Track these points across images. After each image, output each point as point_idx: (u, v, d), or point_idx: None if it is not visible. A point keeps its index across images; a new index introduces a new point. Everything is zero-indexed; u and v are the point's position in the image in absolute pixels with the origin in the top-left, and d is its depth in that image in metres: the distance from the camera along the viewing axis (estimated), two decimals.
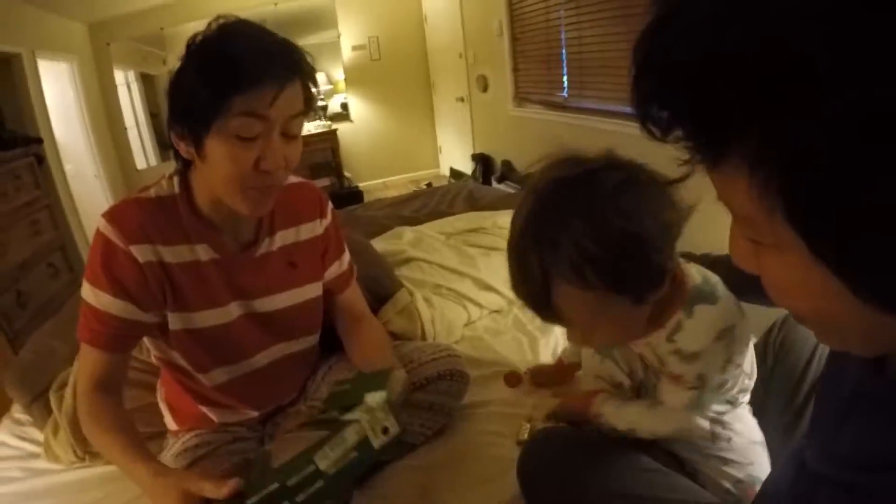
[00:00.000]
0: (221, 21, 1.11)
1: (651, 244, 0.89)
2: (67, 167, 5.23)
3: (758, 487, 1.08)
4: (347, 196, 6.41)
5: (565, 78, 4.18)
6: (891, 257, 0.39)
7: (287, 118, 1.11)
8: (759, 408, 1.23)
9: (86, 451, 1.61)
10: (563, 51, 4.11)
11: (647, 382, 1.21)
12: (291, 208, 1.37)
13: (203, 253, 1.25)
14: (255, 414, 1.47)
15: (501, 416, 1.59)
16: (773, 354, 1.29)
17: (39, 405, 1.73)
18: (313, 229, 1.42)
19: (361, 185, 7.30)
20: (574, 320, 0.99)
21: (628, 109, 3.30)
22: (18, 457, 1.73)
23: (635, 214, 0.87)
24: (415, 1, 7.07)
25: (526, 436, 1.44)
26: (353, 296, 1.57)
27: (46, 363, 1.82)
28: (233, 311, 1.31)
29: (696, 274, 1.07)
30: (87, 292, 1.19)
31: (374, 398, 1.01)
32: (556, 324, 1.04)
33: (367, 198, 6.51)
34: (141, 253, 1.18)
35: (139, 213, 1.20)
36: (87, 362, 1.23)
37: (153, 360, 1.42)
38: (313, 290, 1.43)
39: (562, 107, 4.27)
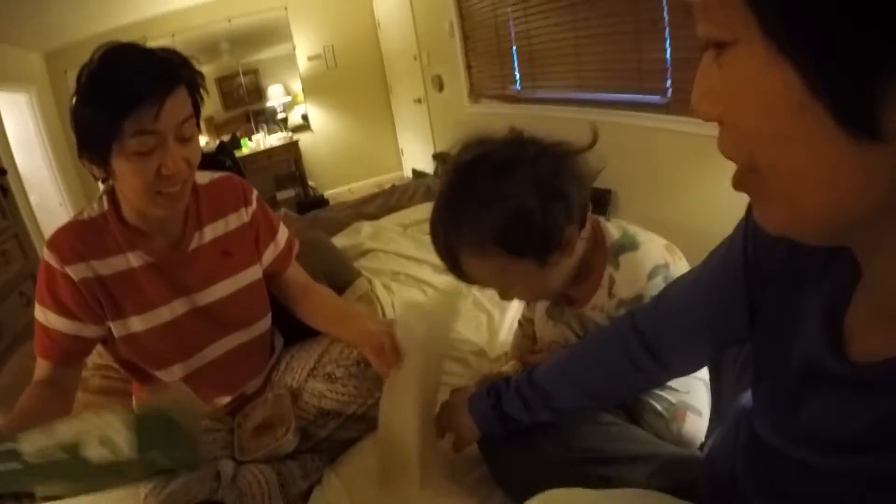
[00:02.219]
0: (102, 50, 1.17)
1: (537, 214, 0.98)
2: (32, 197, 5.18)
3: (690, 414, 1.17)
4: (313, 204, 6.42)
5: (517, 71, 4.26)
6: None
7: (177, 125, 1.18)
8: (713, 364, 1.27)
9: None
10: (513, 45, 4.20)
11: None
12: (216, 202, 1.44)
13: (135, 259, 1.32)
14: (220, 404, 1.51)
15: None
16: None
17: None
18: (240, 218, 1.47)
19: (327, 193, 7.32)
20: (486, 283, 1.12)
21: (581, 96, 3.41)
22: None
23: (518, 191, 0.98)
24: (367, 7, 7.10)
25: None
26: (296, 272, 1.63)
27: (25, 384, 1.82)
28: (176, 308, 1.36)
29: (613, 230, 1.14)
30: (38, 312, 1.30)
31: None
32: (473, 284, 1.15)
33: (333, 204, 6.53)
34: (76, 272, 1.27)
35: (73, 235, 1.29)
36: (39, 367, 1.33)
37: (116, 365, 1.48)
38: (251, 275, 1.49)
39: (516, 99, 4.35)
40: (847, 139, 0.38)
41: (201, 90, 1.28)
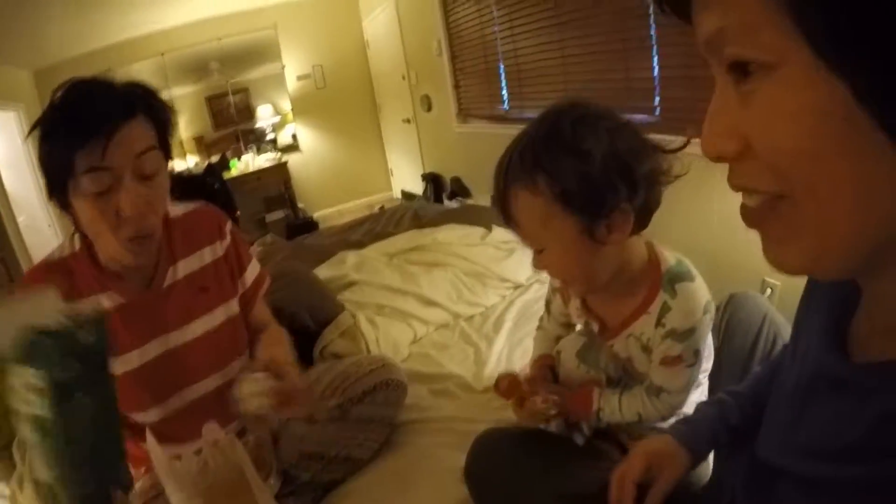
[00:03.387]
0: (64, 86, 1.13)
1: (596, 170, 0.93)
2: (21, 219, 5.12)
3: None
4: (302, 227, 6.38)
5: (504, 91, 4.23)
6: None
7: (131, 160, 1.10)
8: (711, 390, 1.26)
9: None
10: (501, 64, 4.16)
11: (626, 382, 1.22)
12: (190, 235, 1.38)
13: (107, 301, 1.25)
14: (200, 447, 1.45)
15: (450, 430, 1.60)
16: (718, 337, 1.31)
17: (4, 458, 1.68)
18: (214, 251, 1.41)
19: (316, 214, 7.29)
20: (526, 228, 1.04)
21: None
22: None
23: (588, 141, 0.94)
24: (356, 27, 7.10)
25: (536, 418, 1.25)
26: (259, 312, 1.54)
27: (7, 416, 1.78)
28: (150, 350, 1.30)
29: (669, 257, 1.10)
30: None
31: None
32: (515, 228, 1.07)
33: (322, 226, 6.49)
34: None
35: (45, 277, 1.23)
36: None
37: None
38: (230, 310, 1.42)
39: (504, 119, 4.30)
40: (891, 148, 0.38)
41: (168, 122, 1.22)
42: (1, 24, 4.40)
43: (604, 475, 1.10)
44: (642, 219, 1.02)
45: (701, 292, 1.06)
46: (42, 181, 1.14)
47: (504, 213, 1.06)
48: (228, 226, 1.47)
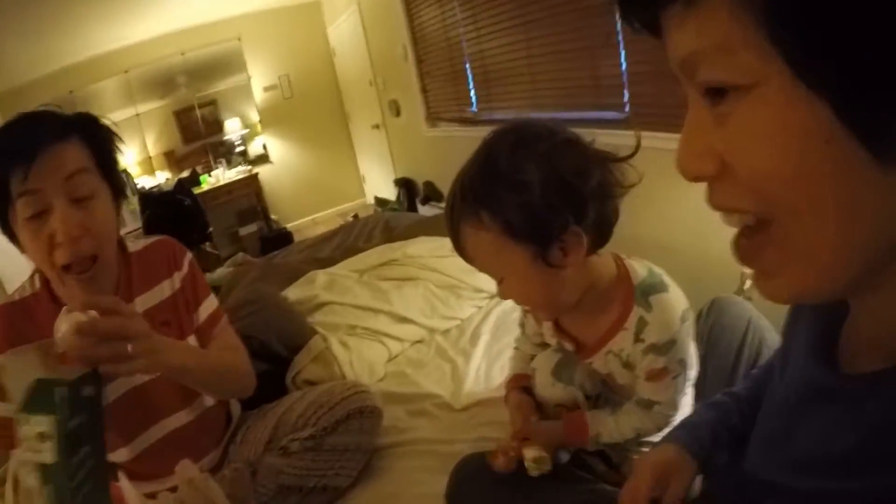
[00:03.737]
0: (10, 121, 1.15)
1: (536, 196, 0.91)
2: None
3: None
4: (276, 239, 6.32)
5: (472, 93, 4.19)
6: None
7: (62, 182, 1.10)
8: (697, 397, 1.22)
9: None
10: (468, 66, 4.12)
11: (606, 395, 1.20)
12: (147, 270, 1.36)
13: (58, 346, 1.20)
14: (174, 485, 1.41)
15: (430, 452, 1.56)
16: (703, 344, 1.28)
17: None
18: (172, 285, 1.39)
19: (290, 225, 7.22)
20: (482, 262, 1.04)
21: (539, 115, 3.34)
22: None
23: (526, 166, 0.92)
24: (321, 36, 7.07)
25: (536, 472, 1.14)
26: (224, 345, 1.46)
27: None
28: (117, 388, 1.26)
29: (640, 268, 1.07)
30: None
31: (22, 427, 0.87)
32: (472, 263, 1.06)
33: (296, 237, 6.43)
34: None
35: (4, 319, 1.23)
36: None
37: None
38: (193, 343, 1.40)
39: (473, 121, 4.27)
40: (875, 166, 0.38)
41: (108, 144, 1.23)
42: None
43: (589, 496, 1.10)
44: (600, 235, 1.00)
45: (676, 301, 1.04)
46: None
47: (457, 248, 1.05)
48: (187, 258, 1.45)
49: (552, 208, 0.92)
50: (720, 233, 1.34)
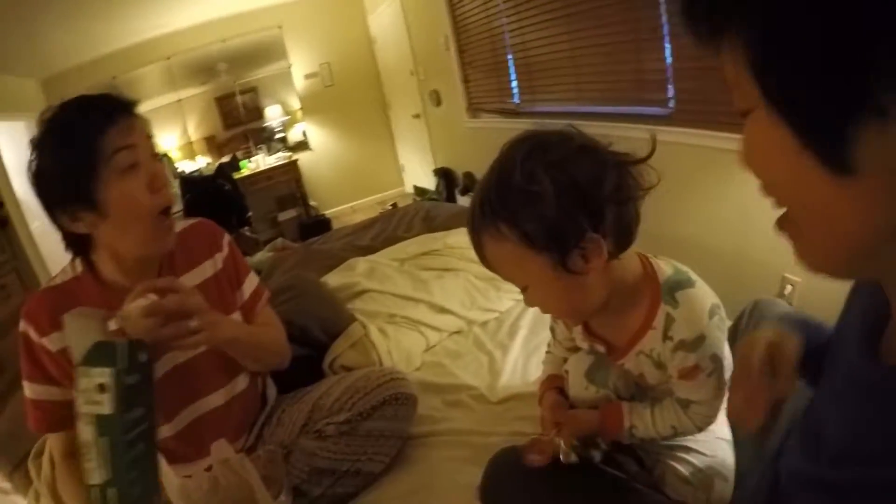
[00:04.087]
0: (51, 109, 1.20)
1: (551, 205, 0.90)
2: (34, 225, 5.16)
3: (717, 481, 1.12)
4: (314, 225, 6.39)
5: (514, 84, 4.16)
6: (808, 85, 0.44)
7: (146, 141, 1.22)
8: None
9: None
10: (510, 57, 4.09)
11: (639, 398, 1.18)
12: (189, 251, 1.41)
13: (113, 324, 1.23)
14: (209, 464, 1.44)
15: (464, 443, 1.57)
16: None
17: (20, 474, 1.75)
18: (214, 265, 1.44)
19: (328, 211, 7.30)
20: (504, 272, 1.04)
21: (581, 109, 3.32)
22: None
23: (540, 175, 0.91)
24: (362, 24, 7.08)
25: (572, 456, 1.16)
26: (264, 323, 1.55)
27: (24, 431, 1.80)
28: (159, 367, 1.30)
29: (666, 266, 1.06)
30: (25, 387, 1.30)
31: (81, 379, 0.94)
32: (496, 273, 1.06)
33: (335, 224, 6.50)
34: (53, 343, 1.25)
35: (47, 303, 1.28)
36: (53, 445, 1.39)
37: None
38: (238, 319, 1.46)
39: (515, 113, 4.24)
40: (833, 177, 0.45)
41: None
42: (5, 36, 4.42)
43: (622, 494, 1.10)
44: (621, 239, 0.98)
45: (704, 296, 1.02)
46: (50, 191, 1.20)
47: (481, 258, 1.05)
48: (226, 239, 1.51)
49: (568, 217, 0.91)
50: (762, 235, 1.32)
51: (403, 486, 1.48)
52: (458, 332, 2.15)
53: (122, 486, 0.91)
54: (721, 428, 1.17)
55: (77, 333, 1.01)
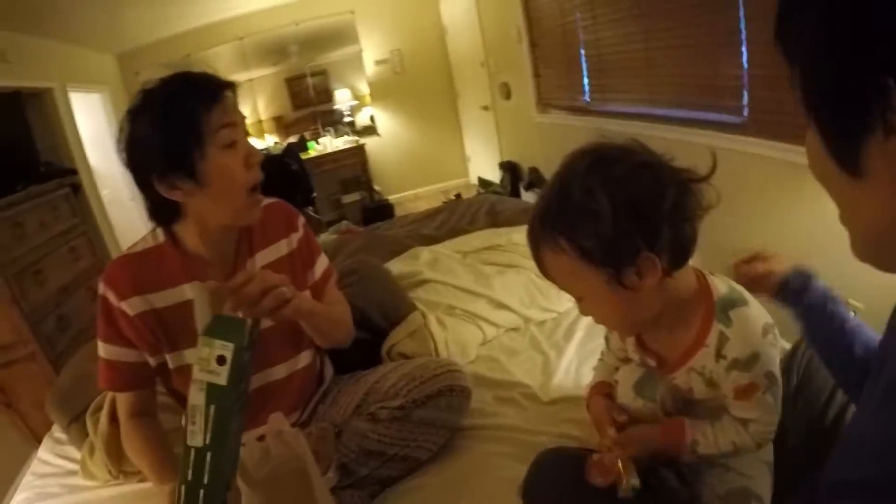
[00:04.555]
0: (154, 82, 1.27)
1: (607, 222, 0.92)
2: (104, 193, 5.39)
3: (754, 502, 1.09)
4: (377, 210, 6.45)
5: (586, 81, 4.12)
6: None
7: (242, 120, 1.31)
8: (780, 429, 1.16)
9: (119, 471, 1.74)
10: (582, 54, 4.05)
11: (684, 413, 1.18)
12: (265, 229, 1.48)
13: (191, 291, 1.34)
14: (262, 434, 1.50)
15: (512, 440, 1.58)
16: (798, 374, 1.26)
17: (77, 427, 1.85)
18: (290, 244, 1.51)
19: (392, 197, 7.36)
20: (560, 282, 1.06)
21: (651, 111, 3.27)
22: (58, 474, 1.88)
23: (599, 190, 0.93)
24: (434, 13, 7.10)
25: (632, 484, 1.08)
26: (330, 301, 1.60)
27: (83, 387, 1.92)
28: None
29: (721, 284, 1.06)
30: (99, 347, 1.37)
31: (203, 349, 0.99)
32: (553, 282, 1.08)
33: (397, 210, 6.55)
34: (132, 307, 1.33)
35: (128, 269, 1.36)
36: (119, 404, 1.45)
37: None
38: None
39: (585, 111, 4.20)
40: (850, 179, 0.52)
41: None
42: (88, 14, 4.59)
43: None
44: (677, 257, 0.99)
45: (757, 315, 1.03)
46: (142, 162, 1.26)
47: (539, 268, 1.07)
48: (301, 220, 1.58)
49: (624, 235, 0.93)
50: (827, 258, 1.29)
51: (447, 474, 1.50)
52: (514, 329, 2.16)
53: (218, 452, 0.96)
54: (765, 451, 1.16)
55: (204, 305, 1.08)
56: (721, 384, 1.05)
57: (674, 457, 1.16)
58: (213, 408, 0.95)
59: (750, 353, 1.00)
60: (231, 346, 0.96)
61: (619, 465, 1.09)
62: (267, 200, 1.47)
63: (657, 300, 1.02)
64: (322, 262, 1.60)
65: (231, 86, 1.30)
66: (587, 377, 1.72)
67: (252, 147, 1.31)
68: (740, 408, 1.06)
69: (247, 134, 1.33)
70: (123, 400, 1.43)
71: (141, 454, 1.40)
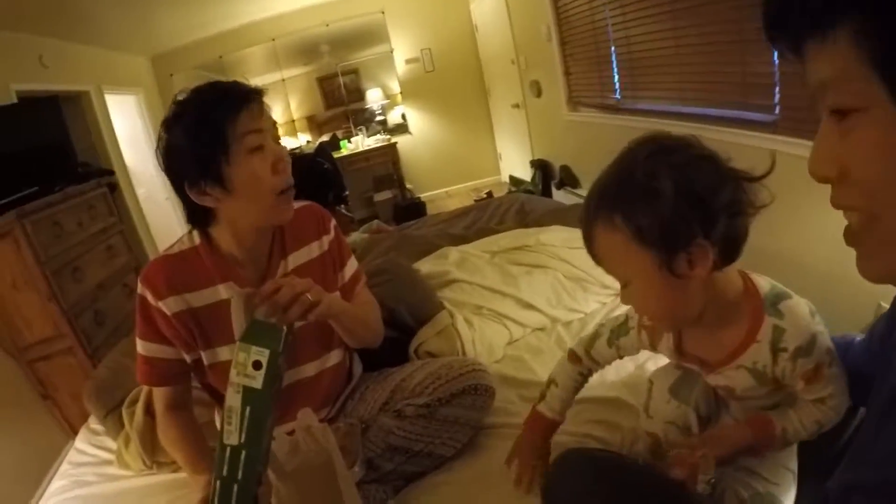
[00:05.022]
0: (181, 94, 1.31)
1: (667, 205, 0.92)
2: (140, 192, 5.51)
3: None
4: (409, 207, 6.48)
5: (616, 79, 4.10)
6: None
7: (272, 126, 1.33)
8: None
9: (153, 461, 1.80)
10: (613, 51, 4.02)
11: (718, 418, 1.20)
12: (299, 231, 1.51)
13: (225, 291, 1.39)
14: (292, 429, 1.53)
15: None
16: None
17: (113, 418, 1.92)
18: (321, 246, 1.54)
19: (424, 195, 7.39)
20: (609, 263, 1.05)
21: (682, 109, 3.24)
22: (94, 463, 1.95)
23: (660, 174, 0.93)
24: (464, 11, 7.11)
25: (706, 487, 1.09)
26: (360, 303, 1.63)
27: (119, 380, 2.00)
28: None
29: (763, 282, 1.07)
30: (137, 344, 1.42)
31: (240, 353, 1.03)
32: (599, 263, 1.07)
33: (429, 208, 6.59)
34: (169, 306, 1.37)
35: (165, 269, 1.39)
36: (157, 398, 1.50)
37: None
38: None
39: (616, 109, 4.17)
40: None
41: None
42: (121, 17, 4.69)
43: None
44: (728, 252, 0.98)
45: (802, 302, 1.04)
46: (179, 165, 1.29)
47: (588, 247, 1.06)
48: (333, 223, 1.60)
49: (682, 218, 0.92)
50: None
51: (470, 471, 1.52)
52: (541, 329, 2.16)
53: (252, 451, 1.00)
54: (789, 458, 1.17)
55: (240, 311, 1.13)
56: (787, 377, 1.05)
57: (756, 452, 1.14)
58: (248, 409, 1.00)
59: (808, 338, 1.01)
60: (267, 351, 1.01)
61: (700, 459, 1.07)
62: (299, 203, 1.50)
63: (703, 295, 1.02)
64: (352, 265, 1.63)
65: (258, 93, 1.32)
66: (612, 378, 1.73)
67: (281, 151, 1.33)
68: (814, 390, 1.06)
69: (276, 139, 1.35)
70: (160, 394, 1.48)
71: (176, 446, 1.45)
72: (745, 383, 1.09)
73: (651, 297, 1.04)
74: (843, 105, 0.52)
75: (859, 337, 1.13)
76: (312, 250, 1.52)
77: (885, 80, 0.47)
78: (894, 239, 0.54)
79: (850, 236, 0.59)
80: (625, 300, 1.09)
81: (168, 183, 1.35)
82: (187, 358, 1.43)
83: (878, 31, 0.47)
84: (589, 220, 1.02)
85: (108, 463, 1.91)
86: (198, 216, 1.37)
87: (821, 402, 1.07)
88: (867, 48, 0.47)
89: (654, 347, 1.25)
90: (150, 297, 1.38)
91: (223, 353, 1.42)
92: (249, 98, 1.28)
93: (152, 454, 1.78)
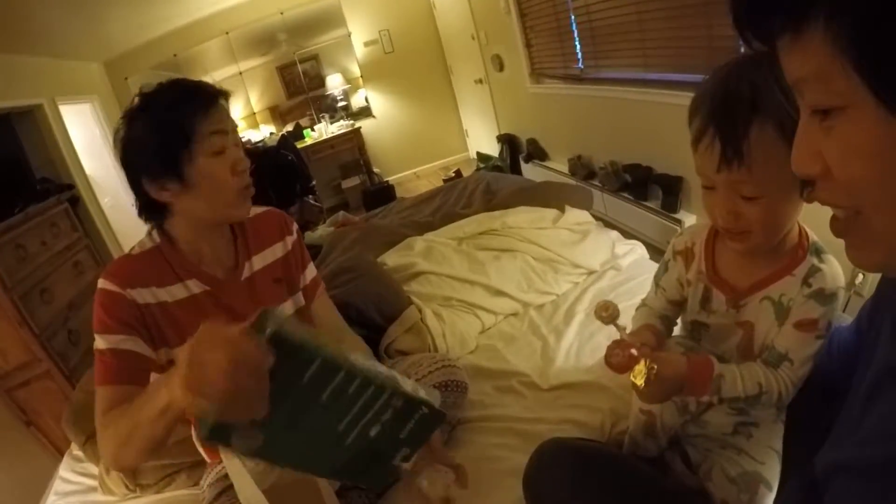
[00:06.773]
0: (148, 87, 1.29)
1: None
2: (104, 200, 5.39)
3: (762, 487, 1.13)
4: (378, 192, 6.43)
5: (578, 49, 4.06)
6: None
7: (233, 129, 1.33)
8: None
9: (136, 484, 1.78)
10: (573, 20, 3.98)
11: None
12: (261, 234, 1.51)
13: (195, 286, 1.36)
14: None
15: (513, 430, 1.59)
16: None
17: (93, 443, 1.85)
18: (284, 247, 1.54)
19: (392, 178, 7.33)
20: (753, 168, 0.94)
21: (648, 76, 3.20)
22: (80, 491, 1.95)
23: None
24: None
25: (641, 381, 1.05)
26: (325, 310, 1.61)
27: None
28: None
29: (811, 234, 1.08)
30: (97, 342, 1.26)
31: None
32: (735, 169, 0.95)
33: (398, 190, 6.55)
34: (139, 296, 1.29)
35: (131, 264, 1.34)
36: (100, 401, 1.23)
37: None
38: (297, 301, 1.55)
39: (579, 79, 4.15)
40: None
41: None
42: (69, 23, 4.56)
43: (669, 498, 1.12)
44: None
45: (840, 270, 1.05)
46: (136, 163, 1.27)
47: (734, 145, 0.94)
48: (294, 225, 1.61)
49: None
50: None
51: None
52: (513, 315, 2.15)
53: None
54: (775, 439, 1.18)
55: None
56: (792, 309, 1.05)
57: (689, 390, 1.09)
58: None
59: (833, 290, 1.03)
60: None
61: (637, 353, 1.03)
62: (261, 209, 1.53)
63: (795, 218, 1.03)
64: (311, 270, 1.62)
65: (226, 94, 1.33)
66: (588, 361, 1.73)
67: (240, 155, 1.33)
68: (790, 339, 1.06)
69: (237, 144, 1.34)
70: (106, 399, 1.23)
71: (123, 414, 1.14)
72: (767, 320, 1.09)
73: (768, 213, 0.98)
74: (822, 104, 0.51)
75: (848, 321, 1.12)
76: (276, 251, 1.52)
77: (864, 77, 0.46)
78: (879, 235, 0.53)
79: (837, 228, 0.58)
80: (739, 216, 1.00)
81: (125, 181, 1.32)
82: (155, 356, 1.31)
83: (854, 24, 0.45)
84: (754, 107, 0.92)
85: (93, 490, 1.91)
86: (152, 210, 1.35)
87: (777, 362, 1.06)
88: (843, 44, 0.46)
89: (687, 270, 1.20)
90: (115, 288, 1.27)
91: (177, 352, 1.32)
92: (217, 98, 1.30)
93: (133, 478, 1.77)
